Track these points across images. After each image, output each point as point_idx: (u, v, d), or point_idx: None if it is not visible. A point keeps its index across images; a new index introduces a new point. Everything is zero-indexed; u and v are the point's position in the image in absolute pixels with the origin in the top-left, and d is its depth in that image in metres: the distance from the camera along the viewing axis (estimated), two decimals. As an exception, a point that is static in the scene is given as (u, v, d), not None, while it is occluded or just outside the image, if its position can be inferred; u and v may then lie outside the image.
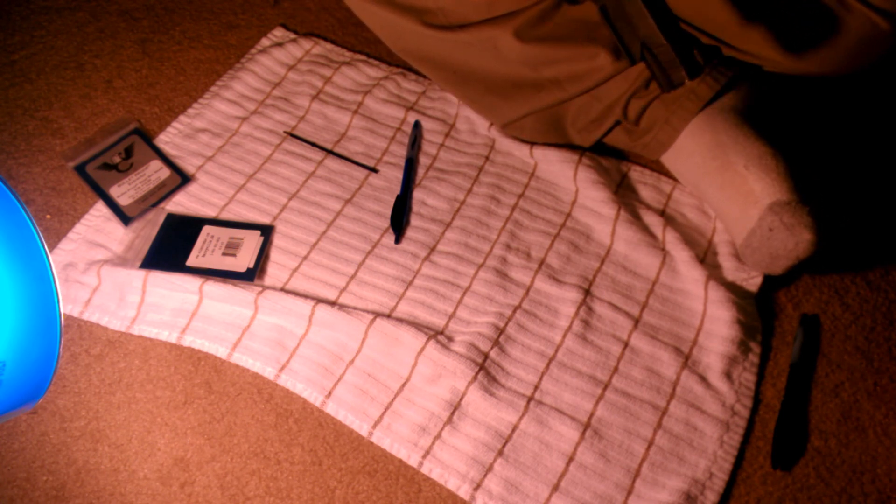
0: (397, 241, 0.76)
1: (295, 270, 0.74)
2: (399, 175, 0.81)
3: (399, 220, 0.77)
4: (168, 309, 0.70)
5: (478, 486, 0.62)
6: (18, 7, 0.96)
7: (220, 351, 0.69)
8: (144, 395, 0.67)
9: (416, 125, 0.85)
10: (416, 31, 0.81)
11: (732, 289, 0.72)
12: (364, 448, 0.65)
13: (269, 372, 0.68)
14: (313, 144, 0.83)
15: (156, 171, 0.79)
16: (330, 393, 0.66)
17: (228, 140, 0.84)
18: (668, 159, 0.80)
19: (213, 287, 0.70)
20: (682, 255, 0.74)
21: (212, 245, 0.74)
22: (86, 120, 0.85)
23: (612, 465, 0.63)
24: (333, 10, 0.98)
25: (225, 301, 0.70)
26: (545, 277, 0.73)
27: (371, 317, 0.68)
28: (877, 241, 0.78)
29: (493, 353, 0.68)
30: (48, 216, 0.77)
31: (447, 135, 0.85)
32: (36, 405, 0.60)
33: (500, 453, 0.63)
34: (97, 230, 0.76)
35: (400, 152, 0.83)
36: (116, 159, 0.80)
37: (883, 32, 0.70)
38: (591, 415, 0.65)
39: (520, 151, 0.83)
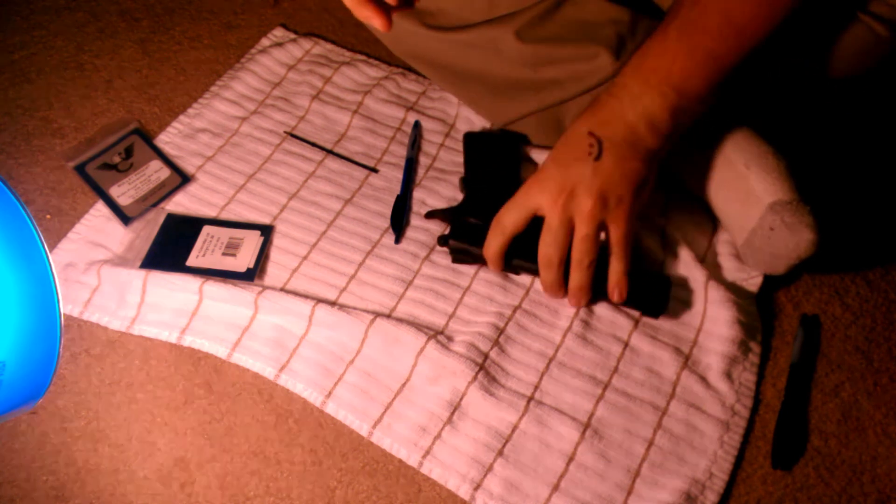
0: (397, 240, 0.76)
1: (295, 270, 0.74)
2: (399, 175, 0.81)
3: (399, 220, 0.77)
4: (168, 309, 0.70)
5: (478, 486, 0.62)
6: (18, 7, 0.96)
7: (220, 351, 0.69)
8: (144, 395, 0.67)
9: (416, 125, 0.85)
10: (417, 33, 0.81)
11: (733, 289, 0.72)
12: (364, 448, 0.65)
13: (269, 372, 0.68)
14: (313, 144, 0.83)
15: (156, 171, 0.79)
16: (330, 393, 0.66)
17: (228, 140, 0.84)
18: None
19: (213, 287, 0.70)
20: (682, 255, 0.74)
21: (212, 245, 0.74)
22: (86, 120, 0.85)
23: (612, 465, 0.63)
24: (333, 10, 0.98)
25: (225, 301, 0.70)
26: (545, 277, 0.73)
27: (371, 317, 0.68)
28: (877, 241, 0.78)
29: (493, 354, 0.68)
30: (48, 216, 0.77)
31: (447, 135, 0.85)
32: (36, 405, 0.60)
33: (500, 453, 0.63)
34: (97, 230, 0.76)
35: (400, 152, 0.83)
36: (116, 159, 0.80)
37: (882, 39, 0.70)
38: (591, 415, 0.65)
39: (520, 151, 0.83)
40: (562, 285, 0.68)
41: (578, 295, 0.68)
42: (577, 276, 0.67)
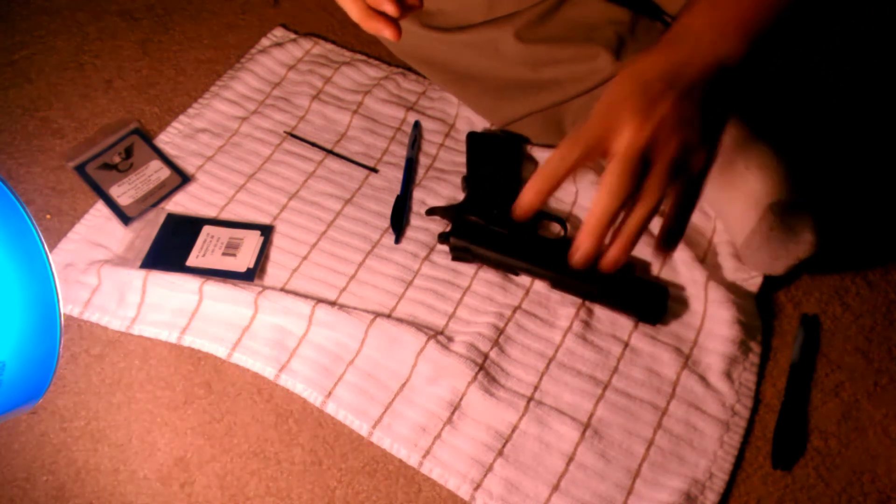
0: (397, 240, 0.76)
1: (295, 270, 0.74)
2: (399, 175, 0.81)
3: (399, 219, 0.77)
4: (168, 309, 0.70)
5: (478, 486, 0.62)
6: (18, 7, 0.96)
7: (220, 351, 0.69)
8: (144, 395, 0.67)
9: (416, 125, 0.85)
10: (416, 34, 0.81)
11: (733, 289, 0.72)
12: (364, 448, 0.65)
13: (269, 372, 0.68)
14: (313, 144, 0.83)
15: (156, 171, 0.79)
16: (330, 393, 0.66)
17: (228, 140, 0.84)
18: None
19: (213, 287, 0.70)
20: (682, 255, 0.74)
21: (212, 245, 0.74)
22: (86, 120, 0.85)
23: (612, 465, 0.63)
24: (333, 10, 0.98)
25: (225, 301, 0.70)
26: (545, 277, 0.73)
27: (371, 317, 0.68)
28: (877, 241, 0.78)
29: (492, 354, 0.68)
30: (48, 216, 0.77)
31: (447, 135, 0.85)
32: (36, 405, 0.60)
33: (500, 453, 0.63)
34: (97, 230, 0.76)
35: (400, 152, 0.83)
36: (116, 159, 0.80)
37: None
38: (591, 415, 0.65)
39: (520, 151, 0.83)
40: (607, 228, 0.56)
41: (626, 242, 0.55)
42: (640, 212, 0.55)
